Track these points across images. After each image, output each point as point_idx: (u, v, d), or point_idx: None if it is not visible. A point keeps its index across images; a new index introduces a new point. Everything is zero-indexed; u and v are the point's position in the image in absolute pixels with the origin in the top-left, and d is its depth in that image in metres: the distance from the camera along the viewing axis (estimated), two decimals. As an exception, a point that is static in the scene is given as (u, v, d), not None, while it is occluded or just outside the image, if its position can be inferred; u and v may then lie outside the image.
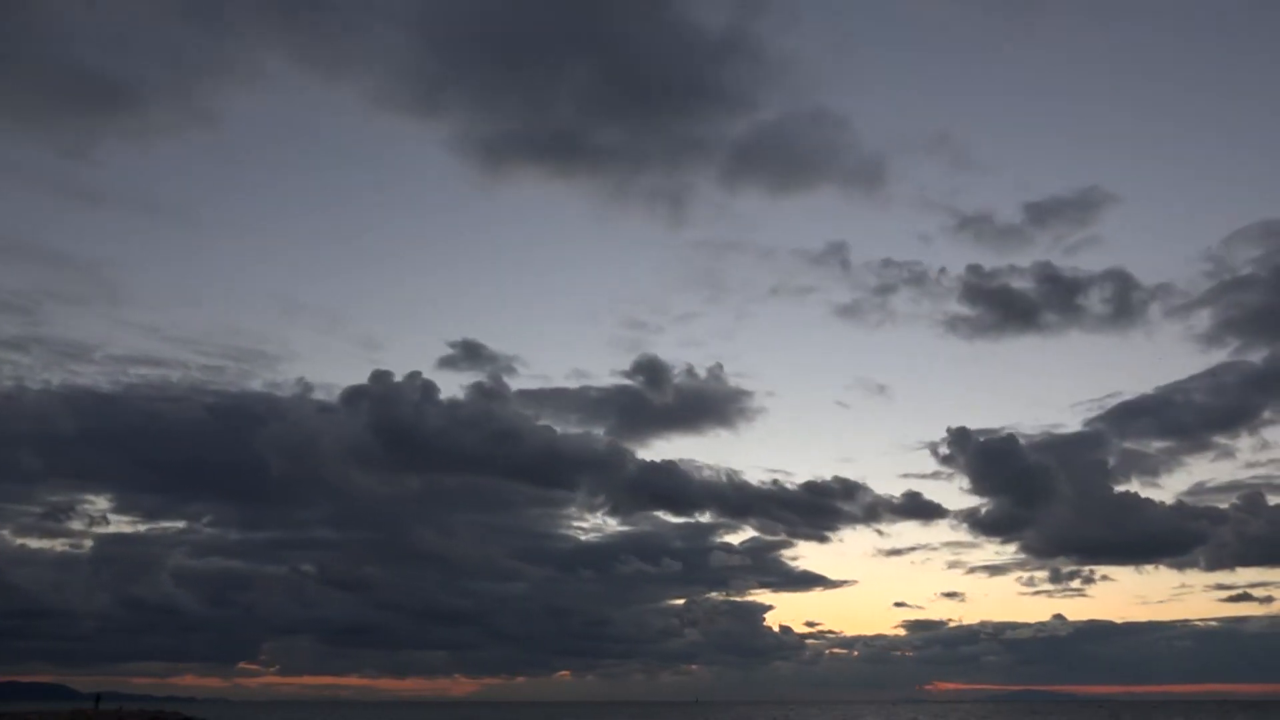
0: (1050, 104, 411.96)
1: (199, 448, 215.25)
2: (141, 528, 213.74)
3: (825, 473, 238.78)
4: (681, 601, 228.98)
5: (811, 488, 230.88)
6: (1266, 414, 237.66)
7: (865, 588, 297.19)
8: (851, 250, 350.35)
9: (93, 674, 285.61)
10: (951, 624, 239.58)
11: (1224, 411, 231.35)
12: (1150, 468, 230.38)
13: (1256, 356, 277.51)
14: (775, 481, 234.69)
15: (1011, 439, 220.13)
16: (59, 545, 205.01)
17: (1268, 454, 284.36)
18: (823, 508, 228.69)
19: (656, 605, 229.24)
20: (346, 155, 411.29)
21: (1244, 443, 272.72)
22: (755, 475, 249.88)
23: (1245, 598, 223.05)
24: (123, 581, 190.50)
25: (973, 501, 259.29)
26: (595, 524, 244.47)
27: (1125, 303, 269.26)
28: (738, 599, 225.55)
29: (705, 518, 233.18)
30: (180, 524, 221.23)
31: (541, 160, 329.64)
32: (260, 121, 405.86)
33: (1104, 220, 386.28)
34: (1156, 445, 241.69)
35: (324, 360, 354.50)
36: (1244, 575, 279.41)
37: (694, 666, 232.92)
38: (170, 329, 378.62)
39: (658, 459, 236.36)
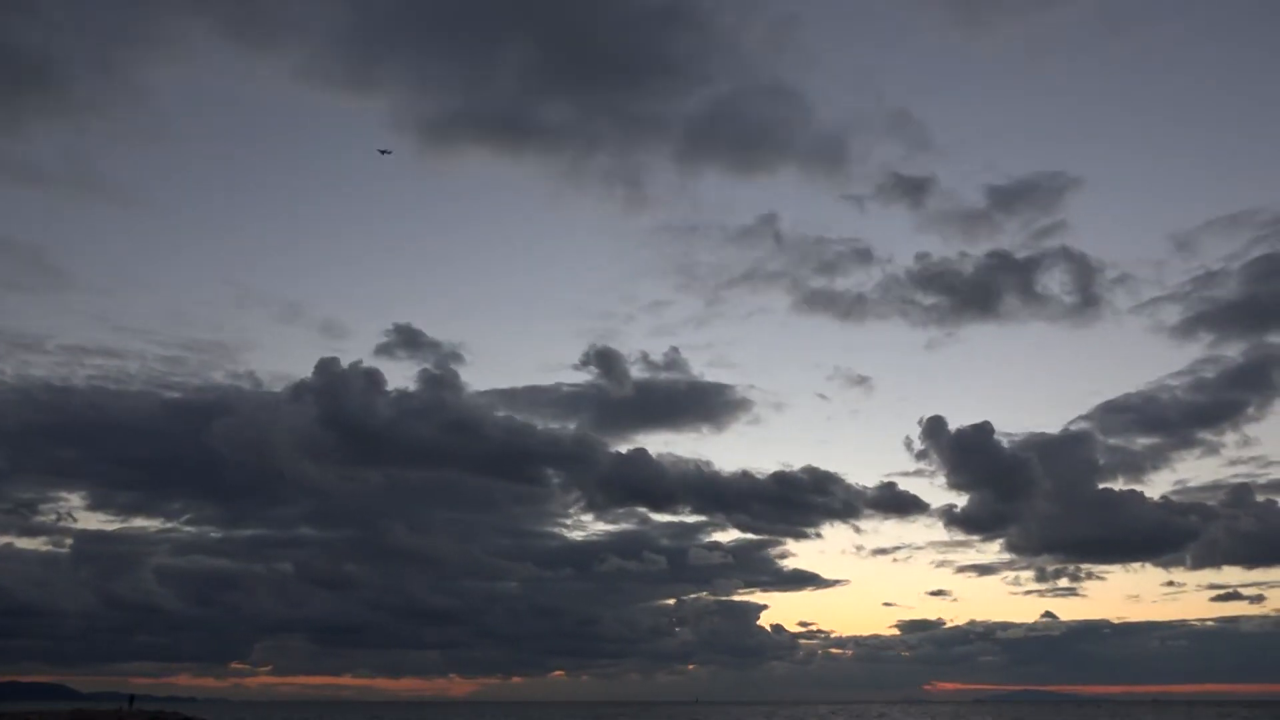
0: (1015, 87, 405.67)
1: (167, 443, 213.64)
2: (117, 525, 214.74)
3: (807, 468, 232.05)
4: (672, 601, 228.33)
5: (795, 484, 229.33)
6: (1250, 410, 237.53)
7: (855, 587, 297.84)
8: (817, 234, 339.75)
9: (82, 673, 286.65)
10: (948, 625, 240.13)
11: (1208, 408, 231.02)
12: (1135, 465, 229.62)
13: (1232, 350, 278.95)
14: (755, 476, 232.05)
15: (990, 433, 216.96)
16: (40, 544, 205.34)
17: (1250, 451, 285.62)
18: (808, 505, 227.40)
19: (648, 605, 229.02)
20: (280, 132, 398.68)
21: (1229, 439, 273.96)
22: (736, 471, 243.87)
23: (1235, 596, 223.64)
24: (107, 580, 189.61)
25: (961, 501, 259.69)
26: (583, 523, 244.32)
27: (1093, 294, 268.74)
28: (730, 599, 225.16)
29: (691, 516, 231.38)
30: (157, 522, 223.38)
31: (485, 140, 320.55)
32: (188, 96, 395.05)
33: (1069, 207, 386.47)
34: (1141, 442, 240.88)
35: (282, 349, 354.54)
36: (1230, 573, 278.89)
37: (691, 666, 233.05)
38: (120, 316, 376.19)
39: (634, 454, 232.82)
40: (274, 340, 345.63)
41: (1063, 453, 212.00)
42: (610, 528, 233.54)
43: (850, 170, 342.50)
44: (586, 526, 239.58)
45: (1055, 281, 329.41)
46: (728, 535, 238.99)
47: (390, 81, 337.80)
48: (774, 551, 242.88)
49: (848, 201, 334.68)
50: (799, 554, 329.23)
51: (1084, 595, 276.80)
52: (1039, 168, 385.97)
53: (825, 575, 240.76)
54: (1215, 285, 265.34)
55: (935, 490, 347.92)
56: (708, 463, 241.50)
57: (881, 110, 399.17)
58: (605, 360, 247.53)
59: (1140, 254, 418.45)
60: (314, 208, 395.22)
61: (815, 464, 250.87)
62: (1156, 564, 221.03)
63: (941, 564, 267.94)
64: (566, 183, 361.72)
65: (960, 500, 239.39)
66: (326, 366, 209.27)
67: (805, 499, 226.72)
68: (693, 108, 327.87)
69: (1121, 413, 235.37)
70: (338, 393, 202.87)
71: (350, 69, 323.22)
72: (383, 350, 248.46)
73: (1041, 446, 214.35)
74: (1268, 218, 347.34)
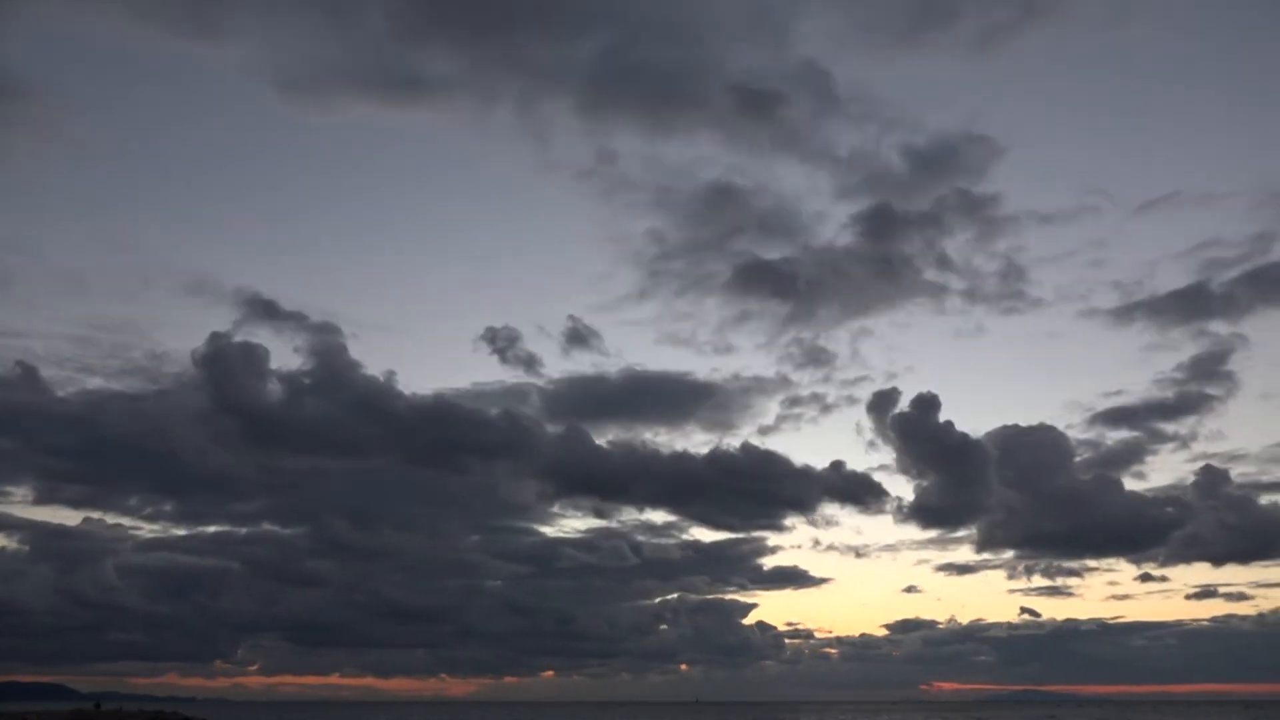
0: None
1: (103, 432, 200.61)
2: (76, 521, 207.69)
3: (786, 461, 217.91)
4: (656, 600, 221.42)
5: (766, 475, 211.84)
6: (1216, 404, 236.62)
7: (843, 586, 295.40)
8: (739, 197, 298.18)
9: (68, 673, 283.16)
10: (941, 625, 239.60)
11: (1178, 401, 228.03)
12: (1109, 460, 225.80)
13: (1178, 334, 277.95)
14: (736, 471, 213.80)
15: (936, 408, 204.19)
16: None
17: (1217, 445, 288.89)
18: (784, 498, 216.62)
19: (632, 604, 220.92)
20: (124, 80, 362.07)
21: (1201, 431, 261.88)
22: (711, 463, 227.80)
23: (1211, 594, 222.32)
24: (74, 578, 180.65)
25: (944, 499, 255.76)
26: (556, 519, 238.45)
27: (1022, 275, 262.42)
28: (714, 597, 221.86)
29: (670, 514, 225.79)
30: (113, 516, 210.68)
31: (360, 95, 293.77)
32: (21, 41, 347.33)
33: (995, 178, 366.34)
34: (1112, 436, 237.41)
35: (194, 323, 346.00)
36: (1201, 569, 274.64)
37: (684, 666, 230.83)
38: (9, 288, 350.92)
39: (591, 446, 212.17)
40: (185, 314, 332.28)
41: (1028, 445, 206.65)
42: (582, 524, 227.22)
43: (770, 129, 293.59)
44: (559, 523, 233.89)
45: (985, 258, 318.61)
46: (706, 532, 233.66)
47: (239, 27, 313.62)
48: (754, 549, 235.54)
49: (773, 164, 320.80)
50: (781, 551, 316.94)
51: (1067, 594, 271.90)
52: (966, 130, 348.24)
53: (812, 573, 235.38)
54: (1160, 272, 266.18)
55: (927, 492, 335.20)
56: (679, 452, 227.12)
57: (793, 65, 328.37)
58: (508, 340, 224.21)
59: (1076, 236, 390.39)
60: (186, 167, 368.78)
61: (781, 452, 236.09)
62: (1130, 560, 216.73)
63: (923, 562, 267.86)
64: (466, 136, 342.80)
65: (950, 501, 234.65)
66: (214, 344, 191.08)
67: (775, 491, 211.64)
68: (588, 54, 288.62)
69: (1086, 407, 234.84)
70: (227, 375, 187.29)
71: (191, 11, 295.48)
72: (239, 326, 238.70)
73: (1005, 438, 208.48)
74: (1200, 196, 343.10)
